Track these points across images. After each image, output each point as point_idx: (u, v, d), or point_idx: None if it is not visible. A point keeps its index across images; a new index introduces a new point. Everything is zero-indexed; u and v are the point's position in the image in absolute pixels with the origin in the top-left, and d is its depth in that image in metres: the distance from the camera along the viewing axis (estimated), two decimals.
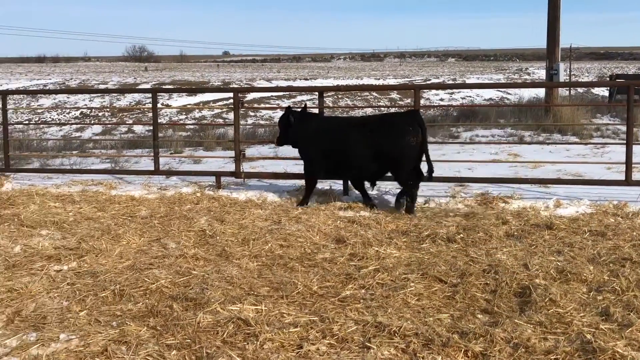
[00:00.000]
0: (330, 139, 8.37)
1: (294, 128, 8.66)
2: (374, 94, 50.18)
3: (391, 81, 59.74)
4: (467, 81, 56.40)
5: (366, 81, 60.66)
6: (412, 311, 4.74)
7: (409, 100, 45.40)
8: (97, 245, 6.50)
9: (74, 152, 15.51)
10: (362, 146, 8.09)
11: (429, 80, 61.03)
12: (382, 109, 41.07)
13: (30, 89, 53.18)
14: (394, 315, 4.60)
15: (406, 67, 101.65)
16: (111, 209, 8.26)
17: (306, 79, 62.63)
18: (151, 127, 10.93)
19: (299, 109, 8.85)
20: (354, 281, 5.37)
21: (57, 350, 4.19)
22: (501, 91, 46.57)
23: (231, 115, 15.30)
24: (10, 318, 4.76)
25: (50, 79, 69.35)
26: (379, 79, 63.18)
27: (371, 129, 8.16)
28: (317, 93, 9.97)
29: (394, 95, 49.21)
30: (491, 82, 55.23)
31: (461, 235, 6.66)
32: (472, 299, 5.00)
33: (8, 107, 11.31)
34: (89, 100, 46.48)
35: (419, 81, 58.03)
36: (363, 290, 5.17)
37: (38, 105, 44.45)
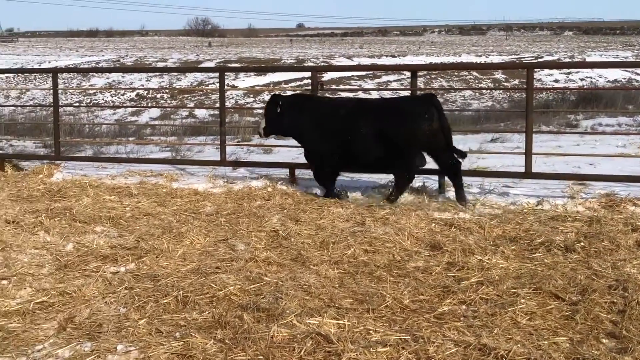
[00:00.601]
0: (336, 124, 8.72)
1: (286, 116, 9.00)
2: (474, 73, 49.62)
3: (495, 59, 58.84)
4: (588, 59, 54.86)
5: (465, 58, 59.93)
6: (522, 332, 4.66)
7: (516, 82, 44.69)
8: (158, 245, 6.69)
9: (131, 138, 15.99)
10: (371, 133, 8.46)
11: (541, 57, 59.73)
12: (484, 91, 40.56)
13: (82, 66, 55.11)
14: (501, 337, 4.54)
15: (513, 42, 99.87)
16: (172, 204, 8.49)
17: (393, 56, 62.43)
18: (215, 112, 11.15)
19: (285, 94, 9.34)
20: (453, 295, 5.32)
21: None
22: (629, 71, 45.13)
23: None
24: (62, 325, 4.94)
25: (103, 55, 71.74)
26: (480, 56, 62.30)
27: (382, 114, 8.57)
28: (405, 73, 10.01)
29: (499, 75, 48.49)
30: (617, 60, 53.53)
31: (582, 243, 6.51)
32: (596, 320, 4.87)
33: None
34: (146, 80, 47.84)
35: (529, 59, 56.91)
36: (464, 306, 5.13)
37: (90, 86, 46.06)
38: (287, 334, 4.57)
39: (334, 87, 39.56)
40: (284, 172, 10.03)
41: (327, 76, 45.26)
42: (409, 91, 9.61)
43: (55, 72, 12.16)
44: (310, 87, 10.05)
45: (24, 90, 43.01)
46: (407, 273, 5.89)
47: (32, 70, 42.26)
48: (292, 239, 6.90)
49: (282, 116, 9.01)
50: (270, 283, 5.64)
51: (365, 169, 9.16)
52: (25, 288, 5.65)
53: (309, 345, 4.40)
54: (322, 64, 57.05)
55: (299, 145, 9.42)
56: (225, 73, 11.14)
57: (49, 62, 61.93)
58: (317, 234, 7.06)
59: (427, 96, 8.79)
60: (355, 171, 9.53)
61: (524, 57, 60.13)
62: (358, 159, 8.70)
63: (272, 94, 9.39)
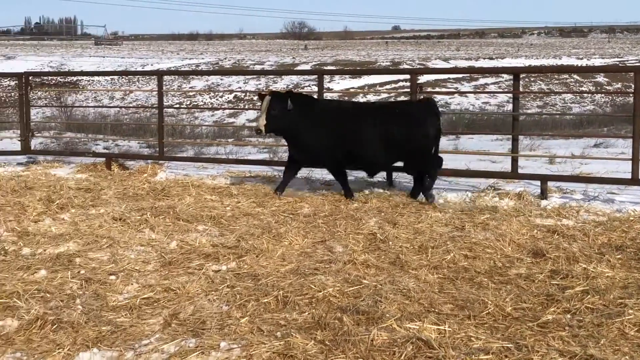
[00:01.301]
0: (343, 125, 8.92)
1: (293, 115, 8.93)
2: (575, 76, 48.34)
3: (597, 61, 57.14)
4: None
5: (566, 61, 58.46)
6: (630, 344, 4.50)
7: (618, 85, 43.25)
8: (258, 245, 6.78)
9: (230, 140, 16.28)
10: (377, 135, 8.77)
11: None
12: (585, 95, 39.37)
13: (182, 69, 56.49)
14: (608, 348, 4.39)
15: (616, 45, 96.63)
16: (271, 205, 8.60)
17: (491, 59, 61.47)
18: None
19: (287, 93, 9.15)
20: (557, 304, 5.19)
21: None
22: None
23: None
24: (168, 321, 5.05)
25: (202, 58, 73.41)
26: (582, 59, 60.60)
27: (388, 117, 8.85)
28: (503, 75, 9.90)
29: (600, 78, 47.05)
30: None
31: None
32: None
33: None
34: (244, 83, 48.56)
35: (633, 61, 54.99)
36: (568, 316, 4.98)
37: (190, 88, 47.19)
38: (387, 337, 4.54)
39: (429, 89, 39.25)
40: (381, 175, 9.99)
41: (422, 78, 44.96)
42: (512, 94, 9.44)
43: (160, 74, 12.51)
44: (409, 90, 9.99)
45: (127, 92, 44.47)
46: (509, 280, 5.78)
47: (137, 73, 43.62)
48: (390, 242, 6.87)
49: (288, 113, 8.91)
50: (369, 286, 5.63)
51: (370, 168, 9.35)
52: (132, 284, 5.81)
53: (410, 350, 4.36)
54: (418, 66, 56.67)
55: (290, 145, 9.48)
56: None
57: (152, 65, 63.83)
58: (415, 238, 7.02)
59: (429, 102, 9.03)
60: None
61: (628, 60, 58.13)
62: (365, 159, 8.99)
63: (270, 90, 9.30)
